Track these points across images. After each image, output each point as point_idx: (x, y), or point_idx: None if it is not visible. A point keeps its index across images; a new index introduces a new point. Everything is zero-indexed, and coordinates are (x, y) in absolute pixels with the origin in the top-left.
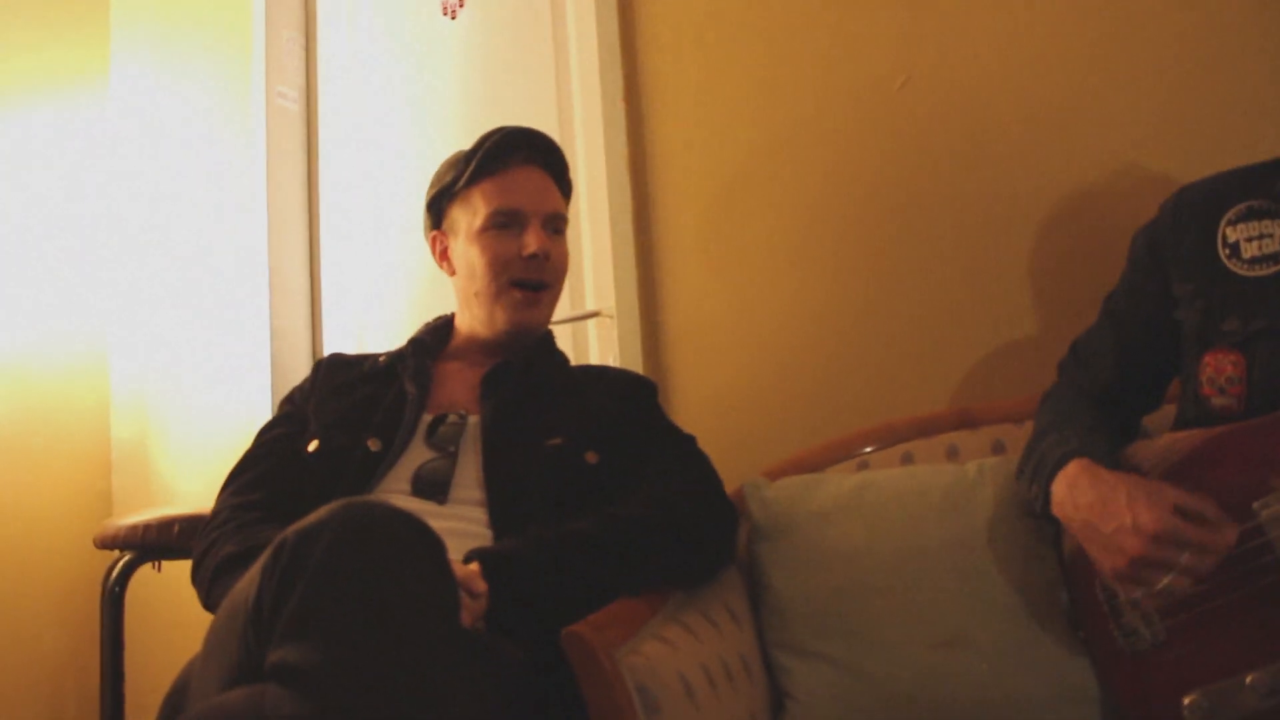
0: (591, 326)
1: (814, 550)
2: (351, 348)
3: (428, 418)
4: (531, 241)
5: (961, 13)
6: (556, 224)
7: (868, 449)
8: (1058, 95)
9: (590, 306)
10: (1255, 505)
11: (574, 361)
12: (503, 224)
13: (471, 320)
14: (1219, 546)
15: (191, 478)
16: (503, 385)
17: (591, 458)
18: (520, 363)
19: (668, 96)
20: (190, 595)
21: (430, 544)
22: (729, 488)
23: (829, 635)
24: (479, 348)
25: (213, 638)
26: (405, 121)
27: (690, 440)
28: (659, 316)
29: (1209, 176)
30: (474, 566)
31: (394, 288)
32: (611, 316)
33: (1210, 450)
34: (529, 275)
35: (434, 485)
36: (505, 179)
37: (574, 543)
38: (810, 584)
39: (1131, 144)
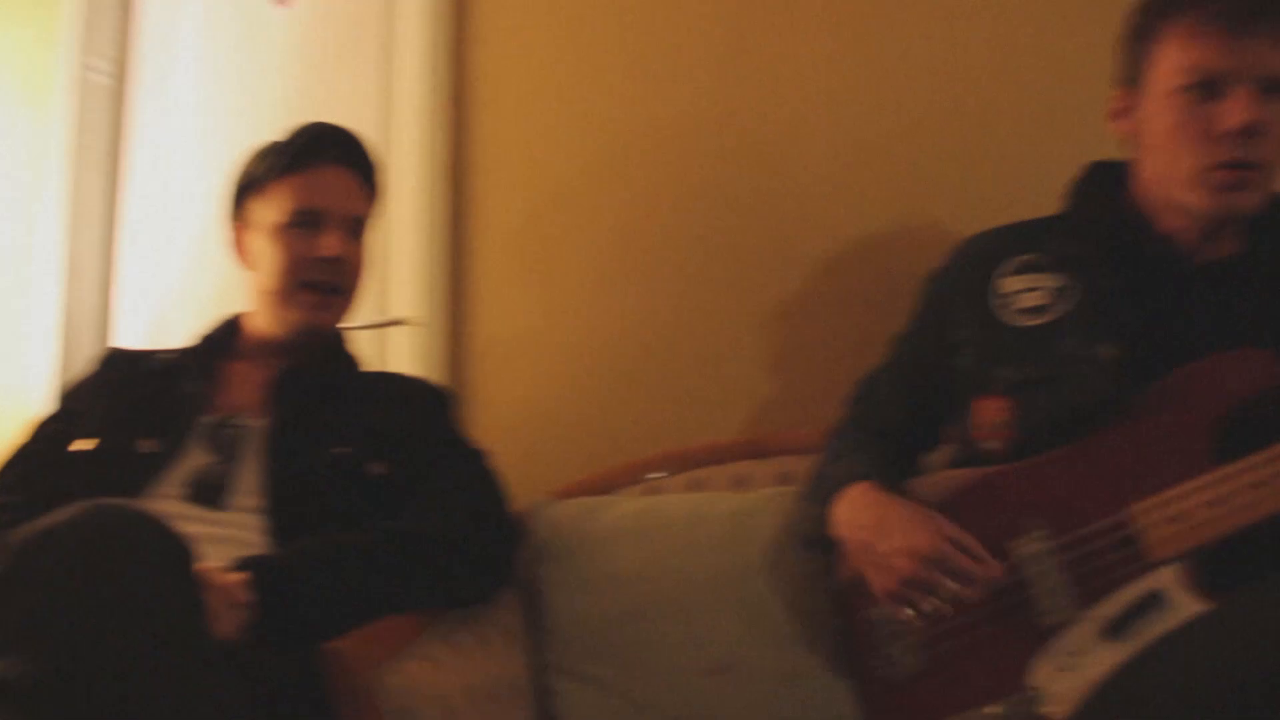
0: (396, 334)
1: (595, 573)
2: (152, 342)
3: (209, 420)
4: (329, 244)
5: (779, 53)
6: (357, 227)
7: (659, 474)
8: (859, 141)
9: (398, 312)
10: (1011, 545)
11: (378, 368)
12: (303, 223)
13: (262, 319)
14: (984, 577)
15: None
16: (291, 389)
17: (378, 469)
18: (311, 367)
19: (495, 104)
20: None
21: (172, 551)
22: (524, 505)
23: (603, 659)
24: (268, 349)
25: None
26: (225, 107)
27: (481, 455)
28: (467, 326)
29: (991, 229)
30: (239, 575)
31: (200, 281)
32: (418, 324)
33: (975, 490)
34: (323, 278)
35: (210, 491)
36: (311, 176)
37: (347, 555)
38: (588, 607)
39: (926, 192)
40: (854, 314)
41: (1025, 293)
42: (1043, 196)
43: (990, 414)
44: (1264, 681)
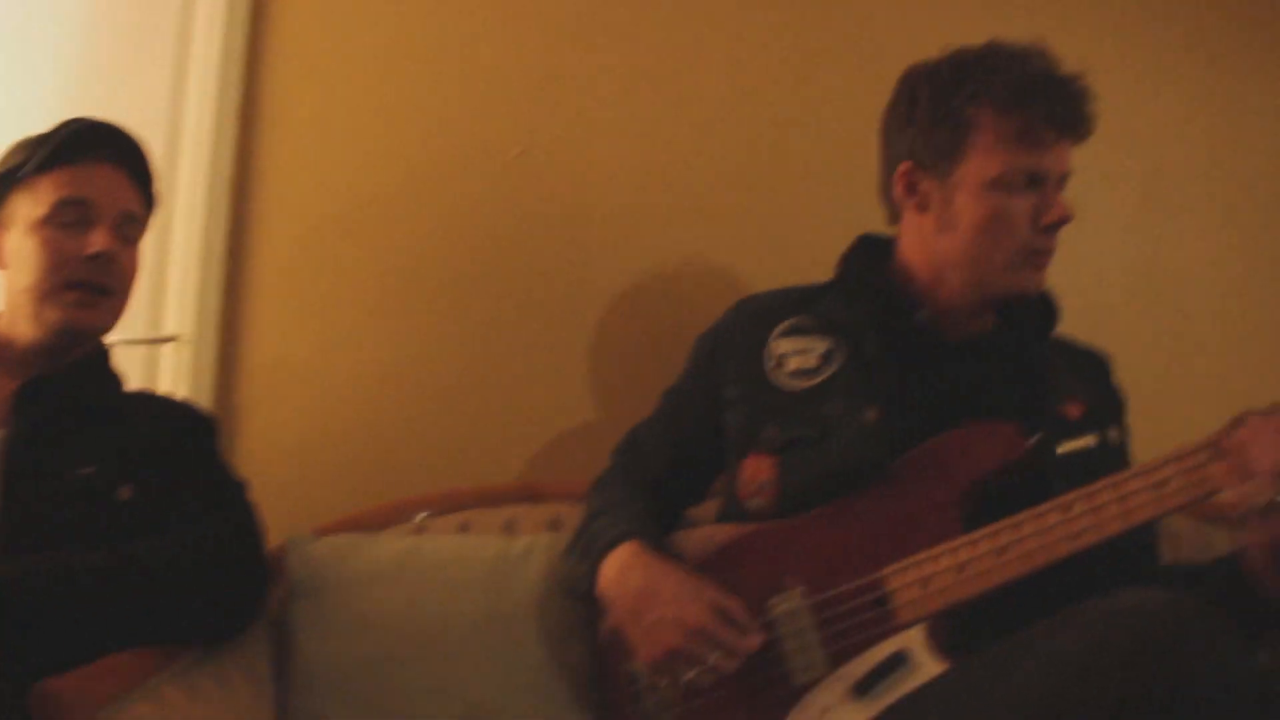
0: (166, 351)
1: (350, 615)
2: None
3: None
4: (97, 240)
5: (584, 96)
6: (129, 230)
7: (427, 513)
8: (656, 192)
9: (169, 329)
10: (771, 602)
11: (143, 388)
12: (69, 219)
13: (14, 322)
14: (743, 649)
15: None
16: (36, 400)
17: (125, 493)
18: (62, 377)
19: (285, 121)
20: None
21: None
22: (284, 540)
23: (352, 707)
24: (16, 356)
25: None
26: None
27: (239, 486)
28: (240, 347)
29: (766, 291)
30: None
31: None
32: (189, 342)
33: (737, 547)
34: (90, 276)
35: None
36: (81, 171)
37: (77, 576)
38: (341, 651)
39: (716, 247)
40: (635, 363)
41: (795, 355)
42: (833, 254)
43: (757, 472)
44: None
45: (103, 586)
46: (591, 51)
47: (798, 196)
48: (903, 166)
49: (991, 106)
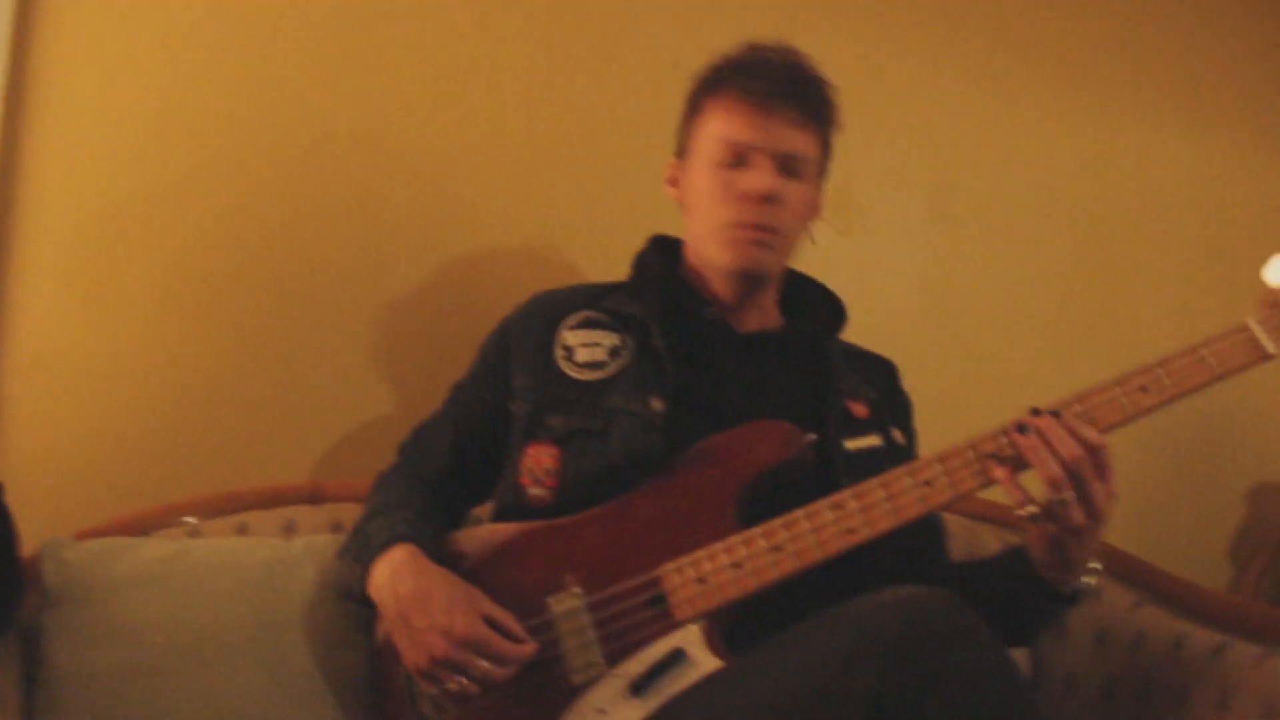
0: None
1: (108, 623)
2: None
3: None
4: None
5: (376, 86)
6: None
7: (200, 516)
8: (447, 187)
9: None
10: (549, 600)
11: None
12: None
13: None
14: (516, 658)
15: None
16: None
17: None
18: None
19: (59, 109)
20: None
21: None
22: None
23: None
24: None
25: None
26: None
27: None
28: (5, 340)
29: (560, 288)
30: None
31: None
32: None
33: (516, 545)
34: None
35: None
36: None
37: None
38: (96, 661)
39: (507, 243)
40: (423, 360)
41: (584, 347)
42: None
43: (540, 460)
44: None
45: None
46: (383, 40)
47: (595, 193)
48: (671, 162)
49: (714, 89)
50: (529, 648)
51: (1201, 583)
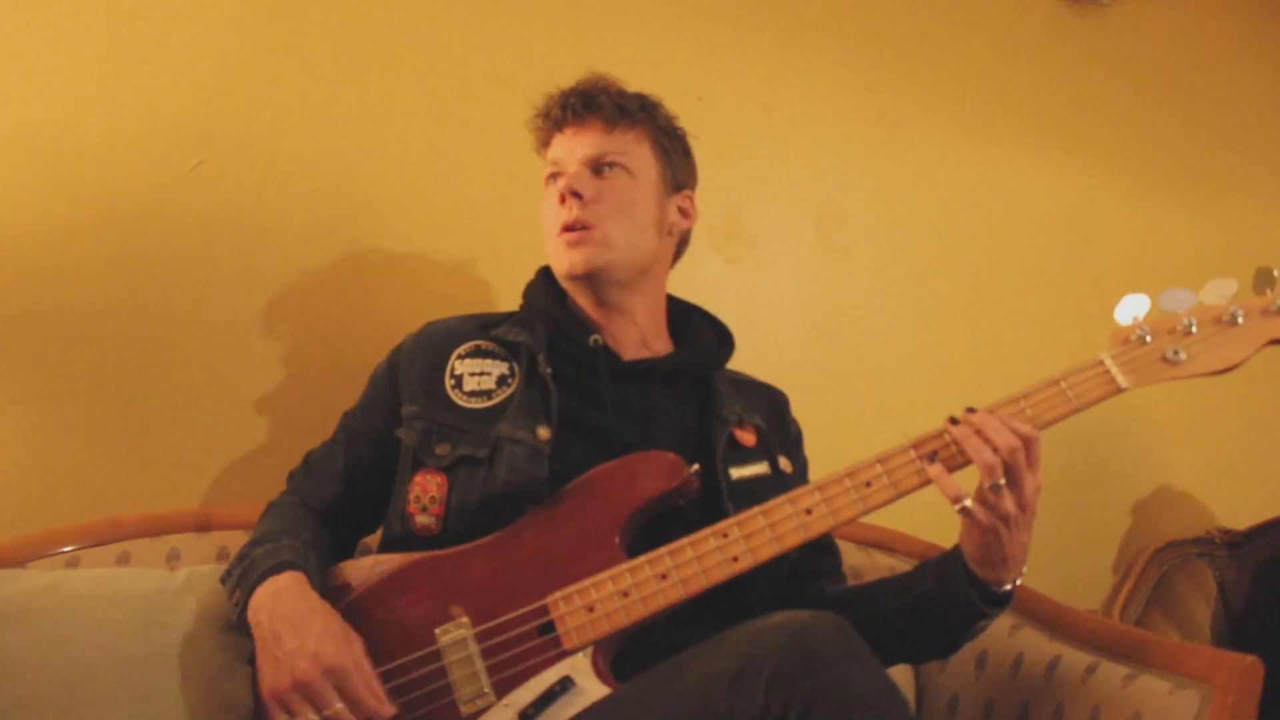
0: None
1: None
2: None
3: None
4: None
5: (260, 100)
6: None
7: (80, 545)
8: (338, 209)
9: None
10: (437, 631)
11: None
12: None
13: None
14: (373, 712)
15: None
16: None
17: None
18: None
19: None
20: None
21: None
22: None
23: None
24: None
25: None
26: None
27: None
28: None
29: (452, 317)
30: None
31: None
32: None
33: (404, 575)
34: None
35: None
36: None
37: None
38: None
39: (400, 269)
40: (313, 386)
41: (473, 376)
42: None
43: (427, 488)
44: None
45: None
46: (269, 51)
47: (487, 218)
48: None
49: (538, 127)
50: (387, 709)
51: (1075, 604)
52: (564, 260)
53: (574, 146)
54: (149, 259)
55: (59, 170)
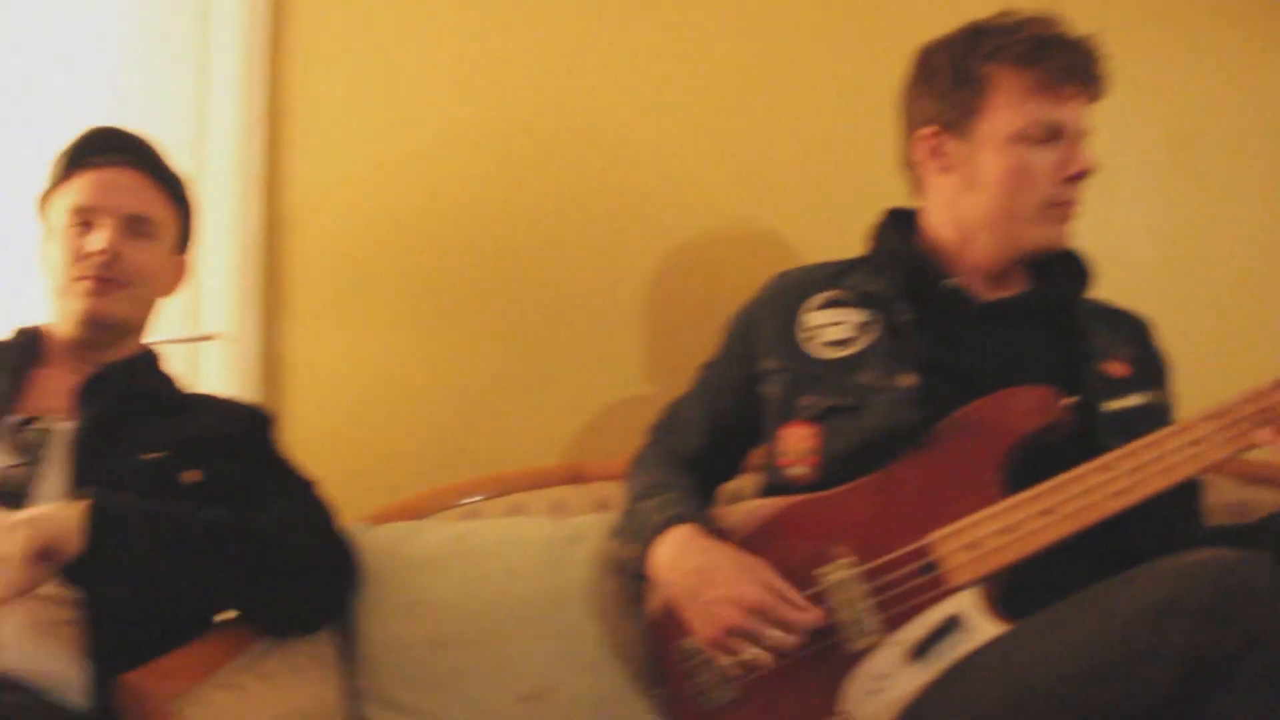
0: (208, 350)
1: (408, 599)
2: None
3: (11, 420)
4: (96, 240)
5: (612, 71)
6: (140, 226)
7: (476, 498)
8: (688, 168)
9: (210, 328)
10: (817, 572)
11: (189, 386)
12: (78, 222)
13: (57, 321)
14: (803, 625)
15: None
16: (101, 392)
17: (192, 476)
18: (121, 372)
19: (312, 116)
20: None
21: None
22: None
23: (417, 687)
24: (69, 351)
25: None
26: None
27: (310, 485)
28: (280, 344)
29: (798, 268)
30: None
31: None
32: (230, 340)
33: (782, 520)
34: (92, 273)
35: (8, 494)
36: (88, 177)
37: (197, 527)
38: (401, 633)
39: (751, 222)
40: (674, 339)
41: (830, 326)
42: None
43: (796, 441)
44: (1048, 697)
45: (222, 545)
46: (614, 24)
47: (833, 171)
48: (926, 130)
49: (1009, 63)
50: (814, 614)
51: None
52: (1055, 235)
53: (1078, 117)
54: (514, 227)
55: (440, 165)
